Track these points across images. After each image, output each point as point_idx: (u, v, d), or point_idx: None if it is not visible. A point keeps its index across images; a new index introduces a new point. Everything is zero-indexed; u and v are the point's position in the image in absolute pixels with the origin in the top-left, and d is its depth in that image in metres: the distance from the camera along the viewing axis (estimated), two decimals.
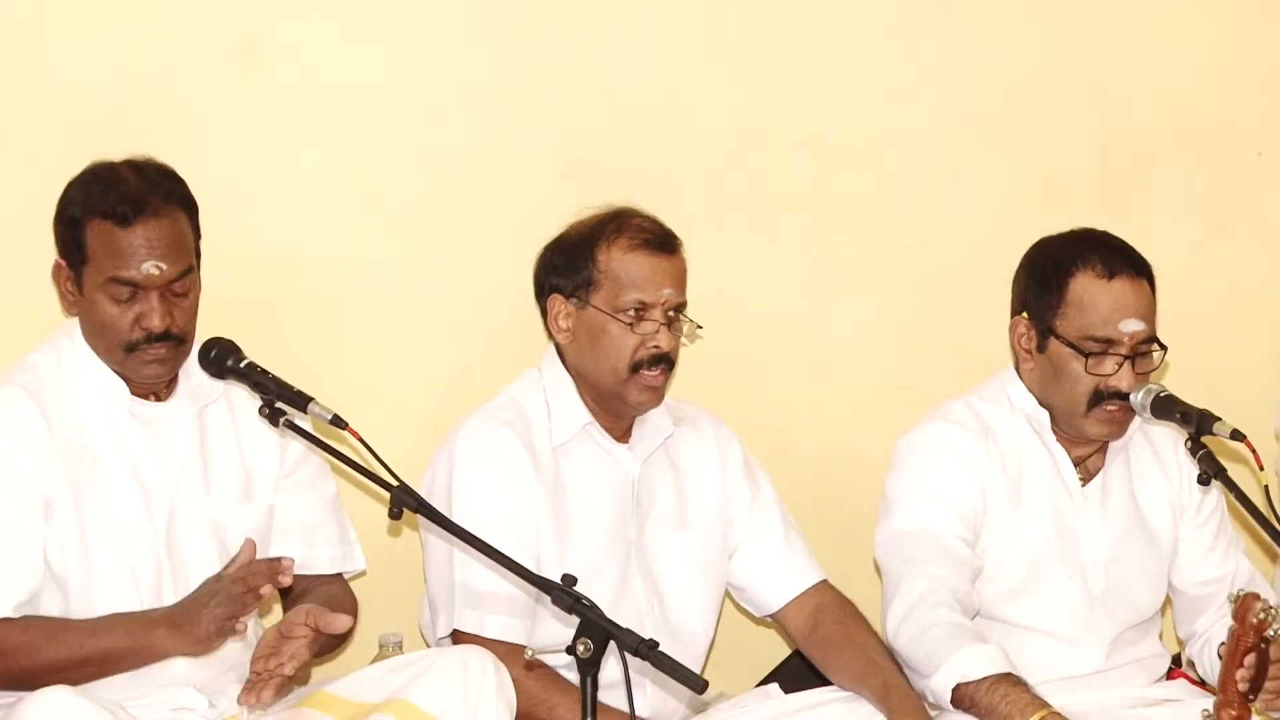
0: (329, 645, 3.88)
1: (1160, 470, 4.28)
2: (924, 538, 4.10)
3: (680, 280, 4.07)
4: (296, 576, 3.79)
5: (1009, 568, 4.16)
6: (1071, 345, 4.08)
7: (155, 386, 3.88)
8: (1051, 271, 4.14)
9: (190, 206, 3.87)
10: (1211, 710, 3.67)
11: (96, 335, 3.83)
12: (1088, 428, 4.12)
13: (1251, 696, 3.69)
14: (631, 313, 4.02)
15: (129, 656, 3.73)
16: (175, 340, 3.80)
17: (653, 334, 4.02)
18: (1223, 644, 3.78)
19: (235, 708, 3.79)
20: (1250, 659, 3.65)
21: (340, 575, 4.05)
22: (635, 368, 4.03)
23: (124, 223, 3.76)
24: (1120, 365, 4.06)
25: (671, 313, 4.04)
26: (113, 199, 3.77)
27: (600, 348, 4.04)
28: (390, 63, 4.48)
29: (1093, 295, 4.08)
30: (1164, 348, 4.10)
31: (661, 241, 4.06)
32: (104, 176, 3.83)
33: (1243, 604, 3.65)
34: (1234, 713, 3.65)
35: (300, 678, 3.88)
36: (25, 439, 3.78)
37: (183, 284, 3.81)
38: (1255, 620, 3.63)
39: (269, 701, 3.74)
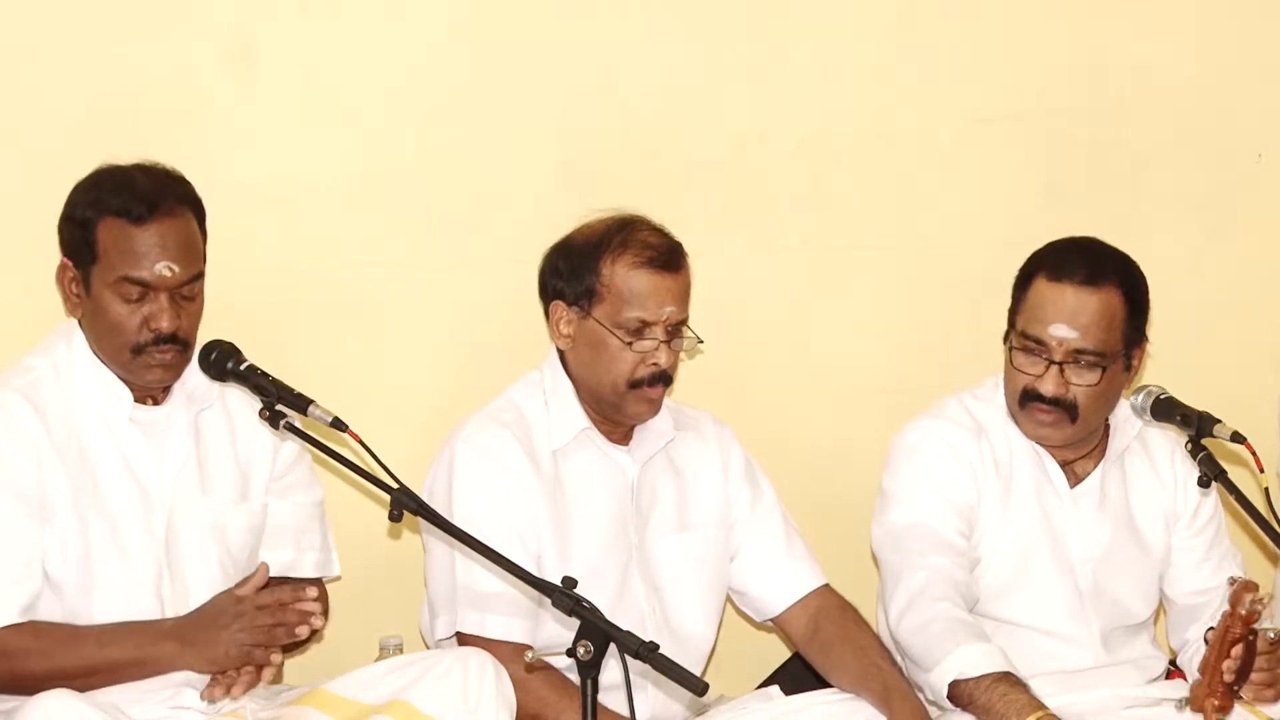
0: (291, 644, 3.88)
1: (1155, 479, 4.28)
2: (921, 531, 4.13)
3: (683, 297, 4.05)
4: (281, 579, 3.85)
5: (999, 564, 4.18)
6: (1012, 345, 4.13)
7: (155, 390, 3.88)
8: (1020, 277, 4.19)
9: (200, 210, 3.87)
10: (1185, 698, 3.66)
11: (102, 336, 3.81)
12: (1023, 427, 4.16)
13: (1236, 687, 3.69)
14: (631, 330, 4.00)
15: (135, 668, 3.72)
16: (181, 344, 3.80)
17: (652, 351, 4.01)
18: (1211, 628, 3.77)
19: (234, 705, 3.77)
20: (1238, 650, 3.64)
21: (320, 580, 4.05)
22: (634, 384, 4.02)
23: (138, 221, 3.75)
24: (1046, 369, 4.08)
25: (672, 328, 4.03)
26: (127, 197, 3.77)
27: (599, 360, 4.03)
28: (390, 63, 4.48)
29: (1039, 295, 4.11)
30: (1113, 362, 4.09)
31: (666, 259, 4.02)
32: (115, 177, 3.83)
33: (1236, 592, 3.64)
34: (1218, 702, 3.64)
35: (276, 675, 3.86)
36: (22, 442, 3.77)
37: (191, 288, 3.81)
38: (1244, 611, 3.62)
39: (239, 695, 3.71)
